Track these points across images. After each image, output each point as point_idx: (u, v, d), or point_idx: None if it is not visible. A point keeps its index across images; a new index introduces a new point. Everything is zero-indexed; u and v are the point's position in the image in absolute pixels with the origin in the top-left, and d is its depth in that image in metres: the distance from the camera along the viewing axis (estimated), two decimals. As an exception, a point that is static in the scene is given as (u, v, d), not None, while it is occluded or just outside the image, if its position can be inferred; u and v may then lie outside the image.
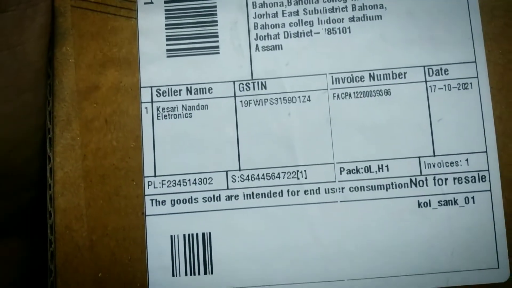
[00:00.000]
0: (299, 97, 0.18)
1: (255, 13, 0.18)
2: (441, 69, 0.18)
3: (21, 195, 0.20)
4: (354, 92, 0.18)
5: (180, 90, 0.18)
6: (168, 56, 0.18)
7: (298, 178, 0.18)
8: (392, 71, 0.18)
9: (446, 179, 0.18)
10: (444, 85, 0.18)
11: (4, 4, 0.17)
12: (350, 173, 0.18)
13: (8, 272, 0.20)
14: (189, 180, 0.18)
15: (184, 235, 0.18)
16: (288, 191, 0.18)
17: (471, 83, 0.18)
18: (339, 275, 0.17)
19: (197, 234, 0.18)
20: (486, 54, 0.18)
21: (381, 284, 0.17)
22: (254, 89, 0.18)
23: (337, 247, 0.17)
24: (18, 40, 0.17)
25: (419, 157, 0.18)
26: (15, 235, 0.20)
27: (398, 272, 0.17)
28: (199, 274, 0.17)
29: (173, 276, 0.17)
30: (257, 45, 0.18)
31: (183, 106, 0.18)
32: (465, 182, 0.18)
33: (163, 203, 0.18)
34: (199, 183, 0.18)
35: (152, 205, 0.18)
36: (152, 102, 0.18)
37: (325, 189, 0.18)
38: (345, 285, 0.17)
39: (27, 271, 0.20)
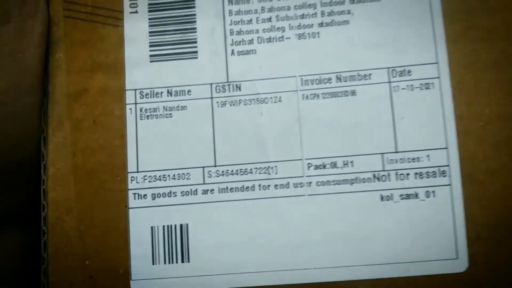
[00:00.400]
0: (271, 98, 0.19)
1: (231, 20, 0.20)
2: (404, 70, 0.19)
3: (22, 189, 0.21)
4: (322, 93, 0.19)
5: (161, 92, 0.20)
6: (151, 61, 0.20)
7: (269, 174, 0.19)
8: (358, 73, 0.19)
9: (407, 174, 0.19)
10: (407, 86, 0.19)
11: (7, 16, 0.19)
12: (317, 169, 0.19)
13: (10, 260, 0.22)
14: (169, 175, 0.19)
15: (164, 226, 0.19)
16: (259, 185, 0.19)
17: (433, 83, 0.19)
18: (306, 264, 0.18)
19: (175, 226, 0.19)
20: (448, 55, 0.19)
21: (345, 273, 0.18)
22: (229, 91, 0.19)
23: (304, 238, 0.19)
24: (19, 47, 0.19)
25: (382, 154, 0.19)
26: (15, 226, 0.22)
27: (361, 261, 0.18)
28: (176, 262, 0.19)
29: (153, 264, 0.19)
30: (232, 50, 0.20)
31: (164, 107, 0.20)
32: (426, 177, 0.19)
33: (145, 197, 0.19)
34: (177, 178, 0.19)
35: (135, 198, 0.19)
36: (135, 103, 0.20)
37: (294, 184, 0.19)
38: (312, 273, 0.18)
39: (26, 259, 0.22)
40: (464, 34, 0.19)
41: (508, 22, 0.19)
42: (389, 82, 0.19)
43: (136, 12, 0.20)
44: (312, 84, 0.19)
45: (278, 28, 0.20)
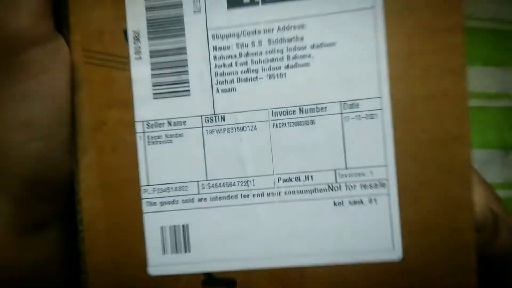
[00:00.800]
0: (248, 126, 0.24)
1: (216, 64, 0.25)
2: (353, 103, 0.24)
3: (66, 196, 0.27)
4: (288, 122, 0.24)
5: (163, 123, 0.25)
6: (154, 98, 0.25)
7: (248, 186, 0.25)
8: (316, 106, 0.24)
9: (355, 186, 0.24)
10: (356, 116, 0.24)
11: (46, 68, 0.24)
12: (285, 182, 0.24)
13: (60, 250, 0.28)
14: (172, 187, 0.25)
15: (170, 226, 0.25)
16: (241, 195, 0.25)
17: (376, 114, 0.24)
18: (278, 253, 0.24)
19: (178, 226, 0.25)
20: (390, 91, 0.24)
21: (307, 259, 0.24)
22: (216, 122, 0.25)
23: (276, 234, 0.24)
24: (56, 92, 0.24)
25: (335, 170, 0.24)
26: (62, 225, 0.28)
27: (319, 251, 0.24)
28: (181, 252, 0.25)
29: (163, 254, 0.25)
30: (217, 89, 0.25)
31: (165, 135, 0.25)
32: (370, 187, 0.24)
33: (155, 204, 0.25)
34: (178, 190, 0.25)
35: (147, 205, 0.25)
36: (144, 132, 0.25)
37: (268, 193, 0.24)
38: (280, 260, 0.24)
39: (71, 251, 0.28)
40: (404, 73, 0.23)
41: (440, 62, 0.23)
42: (341, 113, 0.24)
43: (140, 58, 0.25)
44: (281, 115, 0.24)
45: (252, 70, 0.24)
